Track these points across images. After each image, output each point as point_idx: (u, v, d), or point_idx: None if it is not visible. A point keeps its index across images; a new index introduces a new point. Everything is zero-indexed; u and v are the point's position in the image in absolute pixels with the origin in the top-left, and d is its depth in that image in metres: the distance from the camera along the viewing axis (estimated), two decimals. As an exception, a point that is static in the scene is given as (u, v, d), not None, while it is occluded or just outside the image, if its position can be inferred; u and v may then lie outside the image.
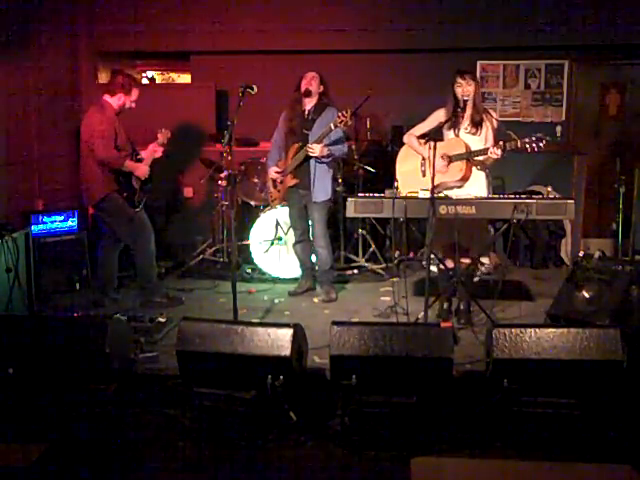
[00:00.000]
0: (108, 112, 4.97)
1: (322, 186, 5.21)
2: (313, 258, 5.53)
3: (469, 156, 4.48)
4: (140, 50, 7.18)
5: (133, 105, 5.08)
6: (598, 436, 3.31)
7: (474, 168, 4.58)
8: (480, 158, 4.50)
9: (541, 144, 4.18)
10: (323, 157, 5.10)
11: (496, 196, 4.59)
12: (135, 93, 5.04)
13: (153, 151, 5.19)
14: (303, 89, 5.15)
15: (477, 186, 4.59)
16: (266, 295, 5.58)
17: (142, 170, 5.09)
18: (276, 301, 5.41)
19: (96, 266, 5.39)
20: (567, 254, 6.45)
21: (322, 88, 5.18)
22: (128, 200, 5.06)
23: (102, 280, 5.30)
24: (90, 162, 4.98)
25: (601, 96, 6.95)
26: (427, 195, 4.26)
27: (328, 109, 5.15)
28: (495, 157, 4.42)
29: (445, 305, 4.78)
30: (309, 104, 5.21)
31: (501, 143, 4.37)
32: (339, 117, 4.82)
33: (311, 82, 5.14)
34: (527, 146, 4.22)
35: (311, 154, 5.05)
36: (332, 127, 4.90)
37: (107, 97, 5.01)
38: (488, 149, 4.40)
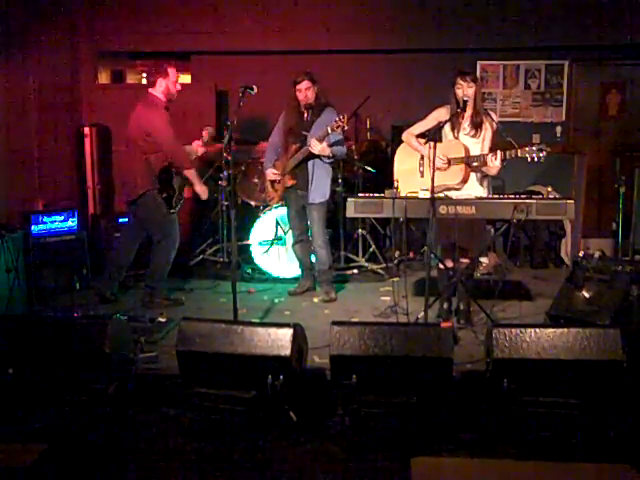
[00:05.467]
0: (159, 106, 4.95)
1: (320, 188, 5.20)
2: (312, 258, 5.53)
3: (468, 161, 4.48)
4: (140, 50, 7.18)
5: (178, 87, 5.04)
6: (598, 436, 3.31)
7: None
8: (480, 166, 4.50)
9: (542, 154, 4.17)
10: (324, 156, 5.10)
11: (496, 196, 4.59)
12: (172, 72, 5.00)
13: (196, 149, 5.22)
14: (302, 104, 5.15)
15: (477, 187, 4.59)
16: (266, 295, 5.58)
17: (204, 189, 5.15)
18: (276, 301, 5.41)
19: (110, 254, 5.35)
20: (567, 254, 6.45)
21: (316, 89, 5.18)
22: (166, 200, 5.05)
23: (111, 267, 5.26)
24: (136, 158, 4.95)
25: (601, 96, 6.96)
26: (427, 195, 4.26)
27: (327, 110, 5.15)
28: (494, 172, 4.43)
29: (445, 305, 4.78)
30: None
31: (500, 153, 4.35)
32: (336, 122, 4.82)
33: (307, 94, 5.11)
34: (527, 155, 4.21)
35: (312, 150, 5.04)
36: (329, 131, 4.90)
37: (151, 90, 4.99)
38: (487, 156, 4.39)
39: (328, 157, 5.13)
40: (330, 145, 5.09)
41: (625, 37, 6.42)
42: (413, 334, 3.48)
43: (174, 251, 5.17)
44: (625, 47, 6.59)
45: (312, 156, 5.13)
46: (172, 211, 5.09)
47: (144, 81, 8.05)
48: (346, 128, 4.99)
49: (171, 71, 4.99)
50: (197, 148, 5.23)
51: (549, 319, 4.59)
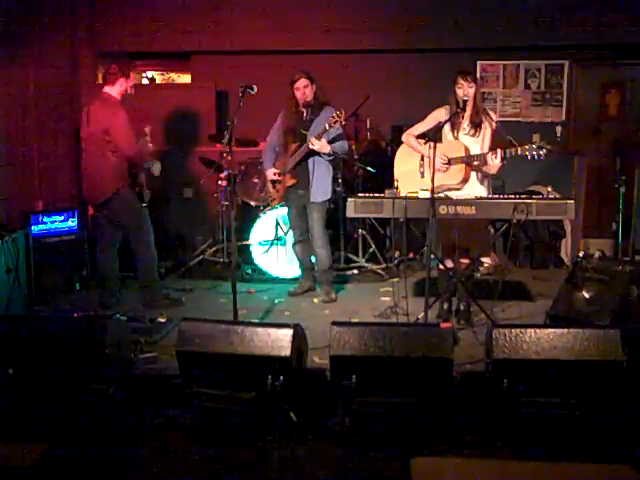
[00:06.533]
0: (116, 104, 4.93)
1: (321, 186, 5.20)
2: (313, 258, 5.53)
3: (468, 160, 4.48)
4: (140, 50, 7.18)
5: (133, 90, 5.07)
6: (598, 436, 3.31)
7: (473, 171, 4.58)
8: (481, 166, 4.50)
9: (542, 152, 4.17)
10: (324, 153, 5.09)
11: (496, 196, 4.59)
12: (132, 76, 5.05)
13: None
14: (301, 102, 5.16)
15: (477, 187, 4.59)
16: (266, 295, 5.58)
17: (157, 165, 5.16)
18: (276, 301, 5.41)
19: (97, 268, 5.35)
20: (567, 254, 6.45)
21: (315, 87, 5.18)
22: (139, 195, 5.07)
23: (105, 281, 5.25)
24: (100, 157, 4.90)
25: (601, 96, 6.96)
26: (427, 195, 4.26)
27: (326, 109, 5.13)
28: (494, 170, 4.43)
29: (445, 305, 4.78)
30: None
31: (500, 151, 4.35)
32: (333, 117, 4.83)
33: (305, 92, 5.11)
34: (527, 153, 4.21)
35: (312, 147, 5.02)
36: (327, 127, 4.90)
37: (108, 88, 4.94)
38: (487, 154, 4.40)
39: (329, 154, 5.12)
40: (330, 141, 5.08)
41: (625, 37, 6.42)
42: (413, 334, 3.48)
43: (153, 247, 5.16)
44: (625, 47, 6.59)
45: (312, 154, 5.13)
46: (144, 205, 5.10)
47: (144, 81, 8.07)
48: (344, 123, 4.99)
49: (132, 75, 5.06)
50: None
51: (549, 319, 4.59)
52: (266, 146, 5.48)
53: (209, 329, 3.60)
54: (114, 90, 4.95)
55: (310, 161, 5.17)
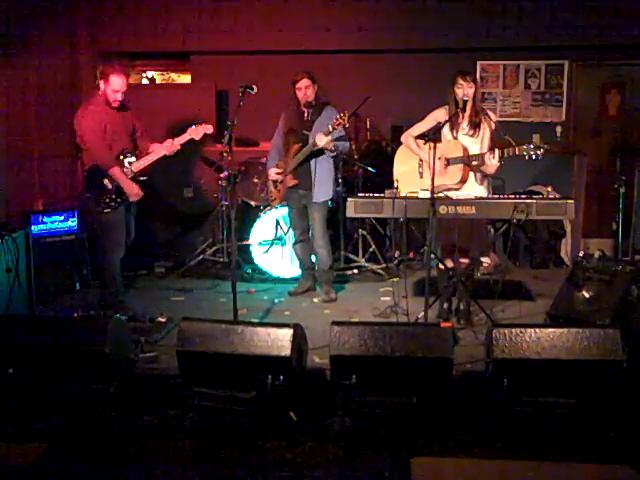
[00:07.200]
0: (95, 104, 4.77)
1: (323, 186, 5.21)
2: (313, 258, 5.53)
3: (467, 160, 4.48)
4: (140, 50, 7.19)
5: (118, 97, 4.76)
6: (598, 436, 3.31)
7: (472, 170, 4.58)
8: (479, 166, 4.51)
9: (539, 152, 4.18)
10: (327, 149, 5.08)
11: (496, 196, 4.59)
12: (114, 81, 4.71)
13: (166, 147, 4.90)
14: (303, 102, 5.16)
15: (475, 187, 4.59)
16: (266, 295, 5.58)
17: (133, 189, 4.74)
18: (276, 301, 5.41)
19: (97, 268, 5.33)
20: (567, 254, 6.46)
21: (316, 88, 5.18)
22: (96, 200, 4.75)
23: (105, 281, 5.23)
24: (80, 156, 4.88)
25: (601, 96, 6.96)
26: (427, 195, 4.26)
27: (327, 109, 5.15)
28: (492, 170, 4.44)
29: (445, 305, 4.78)
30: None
31: (498, 151, 4.36)
32: (336, 120, 4.82)
33: (306, 92, 5.12)
34: (525, 153, 4.21)
35: (318, 142, 4.95)
36: (330, 129, 4.90)
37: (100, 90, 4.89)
38: (485, 154, 4.41)
39: (331, 151, 5.10)
40: (332, 141, 5.08)
41: (625, 37, 6.42)
42: (413, 334, 3.48)
43: (109, 255, 4.87)
44: (625, 47, 6.59)
45: (314, 155, 5.13)
46: (105, 210, 4.75)
47: (144, 81, 8.07)
48: (347, 126, 4.99)
49: (113, 79, 4.71)
50: (168, 147, 4.93)
51: (549, 319, 4.59)
52: (271, 147, 5.49)
53: (209, 329, 3.60)
54: (102, 91, 4.86)
55: (312, 162, 5.17)
